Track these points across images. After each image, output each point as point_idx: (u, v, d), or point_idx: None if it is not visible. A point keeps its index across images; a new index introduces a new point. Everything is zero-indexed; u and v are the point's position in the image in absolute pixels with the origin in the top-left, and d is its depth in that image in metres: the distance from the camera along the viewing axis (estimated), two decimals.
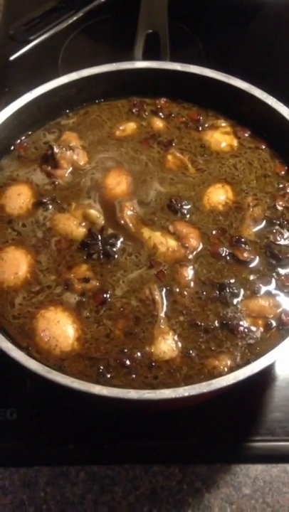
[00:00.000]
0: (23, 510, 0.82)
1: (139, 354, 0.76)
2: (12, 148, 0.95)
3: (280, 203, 0.88)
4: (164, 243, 0.84)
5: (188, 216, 0.88)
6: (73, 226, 0.86)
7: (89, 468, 0.85)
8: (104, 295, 0.80)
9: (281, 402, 0.90)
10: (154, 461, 0.85)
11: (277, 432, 0.87)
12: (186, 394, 0.69)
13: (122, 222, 0.86)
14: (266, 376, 0.92)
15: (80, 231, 0.86)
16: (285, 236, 0.85)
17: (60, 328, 0.78)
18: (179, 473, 0.85)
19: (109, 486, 0.84)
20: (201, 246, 0.85)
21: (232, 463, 0.86)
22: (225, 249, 0.84)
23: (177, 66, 0.97)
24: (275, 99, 0.92)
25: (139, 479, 0.84)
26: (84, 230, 0.86)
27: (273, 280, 0.82)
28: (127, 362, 0.76)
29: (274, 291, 0.81)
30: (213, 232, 0.86)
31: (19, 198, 0.89)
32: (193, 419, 0.86)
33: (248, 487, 0.84)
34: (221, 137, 0.95)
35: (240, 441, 0.87)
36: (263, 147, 0.95)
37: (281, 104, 0.92)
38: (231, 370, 0.74)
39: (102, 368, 0.75)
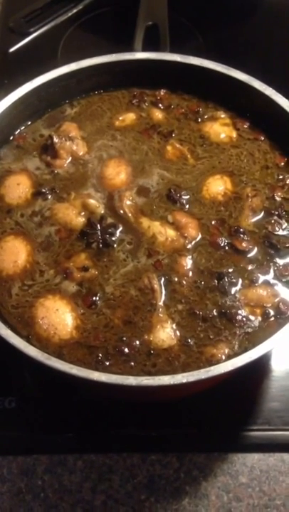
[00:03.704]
0: (20, 498, 0.83)
1: (137, 342, 0.77)
2: (11, 138, 0.96)
3: (279, 193, 0.89)
4: (163, 233, 0.85)
5: (187, 206, 0.88)
6: (72, 215, 0.86)
7: (87, 456, 0.85)
8: (94, 297, 0.79)
9: (278, 392, 0.90)
10: (152, 450, 0.86)
11: (275, 421, 0.87)
12: (185, 380, 0.69)
13: (121, 211, 0.87)
14: (264, 366, 0.93)
15: (79, 220, 0.86)
16: (283, 226, 0.86)
17: (59, 316, 0.78)
18: (177, 462, 0.85)
19: (107, 474, 0.84)
20: (199, 236, 0.85)
21: (229, 452, 0.86)
22: (224, 239, 0.85)
23: (177, 57, 0.97)
24: (274, 91, 0.92)
25: (137, 468, 0.85)
26: (83, 219, 0.86)
27: (271, 270, 0.82)
28: (126, 350, 0.76)
29: (272, 281, 0.81)
30: (212, 222, 0.86)
31: (18, 188, 0.90)
32: (191, 409, 0.87)
33: (245, 476, 0.84)
34: (220, 128, 0.96)
35: (238, 430, 0.87)
36: (262, 138, 0.95)
37: (280, 95, 0.92)
38: (229, 358, 0.74)
39: (100, 355, 0.76)
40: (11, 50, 1.30)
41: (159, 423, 0.87)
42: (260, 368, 0.93)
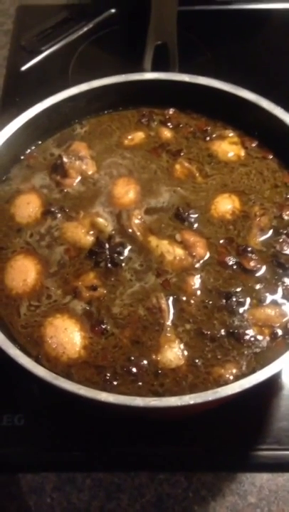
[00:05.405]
0: None
1: (145, 362, 0.77)
2: (22, 157, 0.97)
3: (287, 212, 0.89)
4: (172, 252, 0.85)
5: (195, 225, 0.88)
6: (81, 234, 0.87)
7: (95, 475, 0.85)
8: (103, 325, 0.80)
9: (288, 411, 0.90)
10: (160, 469, 0.86)
11: (284, 440, 0.87)
12: (192, 402, 0.69)
13: (130, 230, 0.87)
14: (273, 385, 0.92)
15: (88, 239, 0.87)
16: None
17: (68, 336, 0.78)
18: (185, 481, 0.85)
19: (115, 493, 0.84)
20: (208, 255, 0.85)
21: (238, 471, 0.86)
22: (232, 258, 0.85)
23: (185, 77, 0.98)
24: (282, 110, 0.93)
25: (145, 487, 0.85)
26: (92, 238, 0.87)
27: (280, 289, 0.82)
28: (134, 370, 0.76)
29: (280, 300, 0.81)
30: (221, 241, 0.87)
31: (28, 207, 0.91)
32: (200, 427, 0.87)
33: (254, 496, 0.84)
34: (229, 147, 0.96)
35: (247, 449, 0.87)
36: (271, 157, 0.95)
37: (288, 114, 0.92)
38: (237, 378, 0.74)
39: (108, 375, 0.76)
40: (23, 68, 1.32)
41: (167, 442, 0.86)
42: (269, 387, 0.92)
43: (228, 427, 0.88)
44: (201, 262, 0.85)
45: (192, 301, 0.81)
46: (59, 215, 0.90)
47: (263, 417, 0.90)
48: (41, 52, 1.34)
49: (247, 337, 0.78)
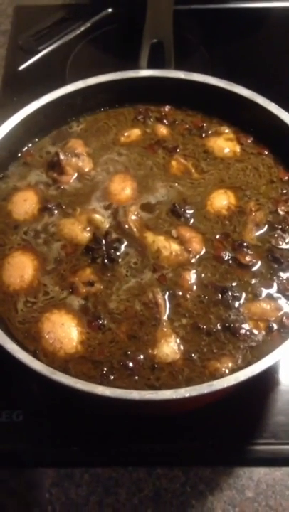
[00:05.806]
0: (28, 511, 0.83)
1: (142, 356, 0.77)
2: (19, 155, 0.97)
3: (282, 207, 0.89)
4: (168, 247, 0.85)
5: (191, 221, 0.89)
6: (78, 231, 0.88)
7: (93, 470, 0.86)
8: (99, 321, 0.80)
9: (284, 405, 0.90)
10: (158, 464, 0.86)
11: (280, 435, 0.87)
12: (187, 395, 0.69)
13: (126, 226, 0.88)
14: (270, 380, 0.93)
15: (84, 236, 0.87)
16: (287, 240, 0.86)
17: (65, 331, 0.79)
18: (183, 476, 0.85)
19: (113, 488, 0.85)
20: (203, 250, 0.86)
21: (235, 466, 0.86)
22: (227, 253, 0.85)
23: (181, 74, 0.99)
24: (277, 106, 0.93)
25: (143, 481, 0.85)
26: (88, 234, 0.87)
27: (275, 283, 0.83)
28: (130, 364, 0.77)
29: (275, 295, 0.82)
30: (216, 236, 0.87)
31: (25, 204, 0.91)
32: (197, 422, 0.87)
33: (251, 490, 0.84)
34: (224, 143, 0.97)
35: (244, 444, 0.87)
36: (266, 153, 0.96)
37: (283, 110, 0.93)
38: (233, 372, 0.74)
39: (105, 369, 0.77)
40: (21, 67, 1.33)
41: (165, 437, 0.87)
42: (266, 381, 0.93)
43: (225, 422, 0.88)
44: (197, 257, 0.85)
45: (188, 296, 0.82)
46: (56, 212, 0.90)
47: (260, 411, 0.90)
48: (38, 51, 1.34)
49: (242, 331, 0.79)
